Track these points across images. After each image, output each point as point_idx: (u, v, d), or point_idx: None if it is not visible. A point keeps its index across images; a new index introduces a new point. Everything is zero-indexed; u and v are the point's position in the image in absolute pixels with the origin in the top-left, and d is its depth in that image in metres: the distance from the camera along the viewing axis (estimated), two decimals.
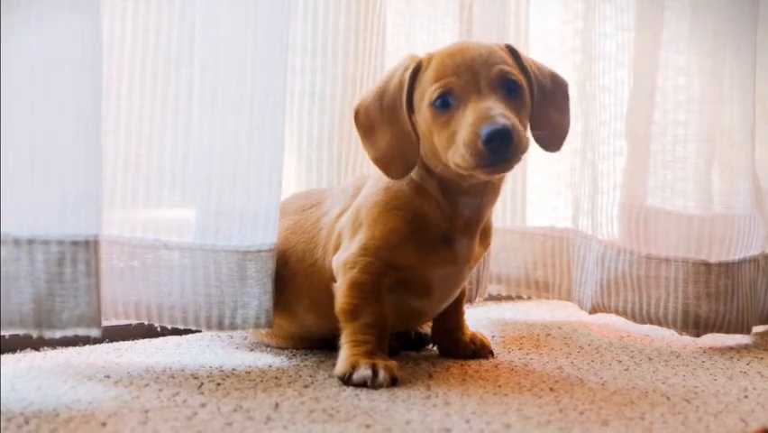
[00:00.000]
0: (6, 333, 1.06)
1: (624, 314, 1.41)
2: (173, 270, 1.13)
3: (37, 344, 1.17)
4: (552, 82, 1.13)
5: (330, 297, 1.10)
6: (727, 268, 1.36)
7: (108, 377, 1.04)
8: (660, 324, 1.38)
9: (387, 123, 1.08)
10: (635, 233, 1.41)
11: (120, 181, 1.14)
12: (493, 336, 1.36)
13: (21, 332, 0.98)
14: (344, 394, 0.99)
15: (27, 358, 1.14)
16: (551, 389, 1.05)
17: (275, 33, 1.12)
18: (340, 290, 1.09)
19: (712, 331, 1.36)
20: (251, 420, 0.89)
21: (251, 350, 1.23)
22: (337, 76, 1.34)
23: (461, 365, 1.16)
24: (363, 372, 1.03)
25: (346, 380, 1.03)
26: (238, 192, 1.13)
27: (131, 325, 1.25)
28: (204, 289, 1.13)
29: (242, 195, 1.13)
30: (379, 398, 0.98)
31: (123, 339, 1.26)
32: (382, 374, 1.02)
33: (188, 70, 1.14)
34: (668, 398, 1.02)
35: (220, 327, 1.13)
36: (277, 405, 0.94)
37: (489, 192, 1.10)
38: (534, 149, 1.56)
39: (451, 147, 1.02)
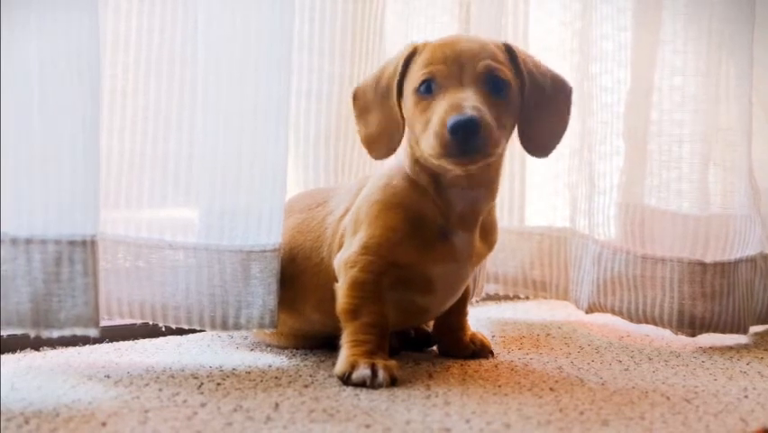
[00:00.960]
0: (5, 333, 1.06)
1: (620, 314, 1.41)
2: (178, 270, 1.13)
3: (37, 344, 1.17)
4: (552, 85, 1.12)
5: (335, 295, 1.10)
6: (723, 268, 1.36)
7: (108, 377, 1.04)
8: (655, 324, 1.38)
9: (379, 106, 1.11)
10: (631, 232, 1.42)
11: (125, 181, 1.14)
12: (493, 336, 1.36)
13: (18, 332, 0.98)
14: (344, 394, 0.99)
15: (27, 358, 1.14)
16: (551, 389, 1.05)
17: (279, 33, 1.12)
18: (341, 289, 1.09)
19: (707, 331, 1.36)
20: (251, 420, 0.89)
21: (251, 350, 1.23)
22: (334, 75, 1.34)
23: (461, 365, 1.16)
24: (362, 371, 1.03)
25: (345, 379, 1.03)
26: (242, 192, 1.13)
27: (131, 325, 1.25)
28: (208, 289, 1.13)
29: (246, 195, 1.13)
30: (379, 398, 0.98)
31: (124, 339, 1.26)
32: (381, 374, 1.02)
33: (192, 70, 1.14)
34: (668, 398, 1.02)
35: (224, 327, 1.14)
36: (277, 405, 0.94)
37: (481, 186, 1.10)
38: None
39: (424, 134, 1.02)
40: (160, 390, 0.99)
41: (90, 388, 1.00)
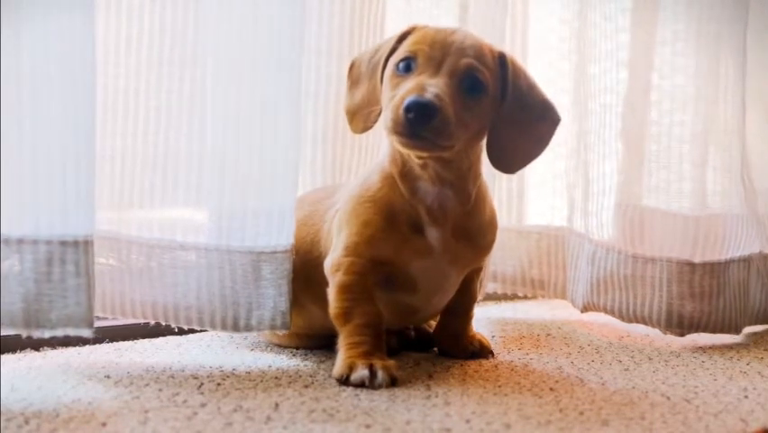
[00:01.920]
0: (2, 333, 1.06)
1: (612, 313, 1.42)
2: (189, 270, 1.13)
3: (37, 344, 1.17)
4: (541, 110, 1.11)
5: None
6: (713, 268, 1.37)
7: (108, 377, 1.04)
8: (645, 323, 1.39)
9: (367, 79, 1.12)
10: (623, 232, 1.42)
11: (137, 182, 1.14)
12: (493, 336, 1.36)
13: (10, 332, 0.98)
14: (344, 394, 0.99)
15: (27, 358, 1.14)
16: (551, 389, 1.05)
17: (288, 33, 1.12)
18: (330, 294, 1.09)
19: (697, 331, 1.36)
20: (251, 420, 0.89)
21: (251, 350, 1.23)
22: (332, 76, 1.34)
23: (461, 365, 1.16)
24: (361, 372, 1.03)
25: (344, 382, 1.03)
26: (252, 192, 1.13)
27: (131, 325, 1.26)
28: (219, 290, 1.13)
29: (256, 195, 1.13)
30: (379, 398, 0.98)
31: (124, 339, 1.26)
32: (381, 375, 1.02)
33: (203, 70, 1.14)
34: (668, 398, 1.02)
35: (236, 328, 1.14)
36: (277, 405, 0.94)
37: (447, 185, 1.09)
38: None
39: (386, 108, 1.03)
40: (160, 390, 0.99)
41: (90, 388, 1.00)
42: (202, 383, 1.03)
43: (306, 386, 1.03)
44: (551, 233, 1.57)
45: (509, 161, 1.12)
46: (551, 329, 1.44)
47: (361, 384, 1.02)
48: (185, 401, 0.95)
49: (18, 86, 0.95)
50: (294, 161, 1.15)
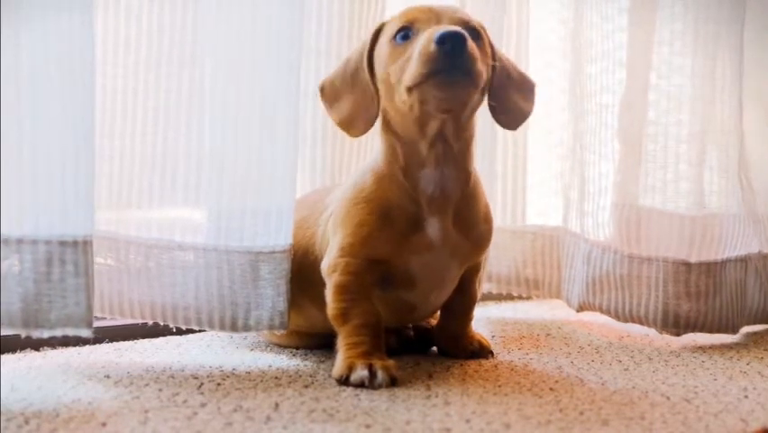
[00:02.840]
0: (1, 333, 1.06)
1: (608, 312, 1.42)
2: (188, 270, 1.13)
3: (37, 344, 1.17)
4: (518, 76, 1.15)
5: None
6: (709, 268, 1.37)
7: (108, 377, 1.04)
8: (641, 323, 1.39)
9: (350, 87, 1.11)
10: (619, 232, 1.42)
11: (136, 182, 1.14)
12: (493, 336, 1.36)
13: (9, 332, 0.98)
14: (344, 394, 0.99)
15: (27, 358, 1.14)
16: (551, 389, 1.05)
17: (287, 33, 1.12)
18: (328, 295, 1.09)
19: (693, 331, 1.36)
20: (251, 420, 0.89)
21: (251, 350, 1.23)
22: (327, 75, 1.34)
23: (461, 365, 1.16)
24: (360, 373, 1.03)
25: (343, 382, 1.03)
26: (250, 192, 1.13)
27: (131, 325, 1.26)
28: (217, 290, 1.13)
29: (255, 195, 1.13)
30: (379, 398, 0.98)
31: (124, 339, 1.26)
32: (381, 375, 1.02)
33: (201, 71, 1.14)
34: (668, 398, 1.02)
35: (234, 328, 1.14)
36: (277, 405, 0.94)
37: (451, 166, 1.09)
38: (532, 151, 1.59)
39: (405, 72, 1.02)
40: (160, 390, 0.99)
41: (90, 388, 1.00)
42: (202, 383, 1.03)
43: (306, 386, 1.03)
44: (546, 233, 1.57)
45: (512, 117, 1.14)
46: (551, 329, 1.44)
47: (360, 384, 1.02)
48: (185, 401, 0.95)
49: (17, 86, 0.95)
50: (292, 162, 1.15)
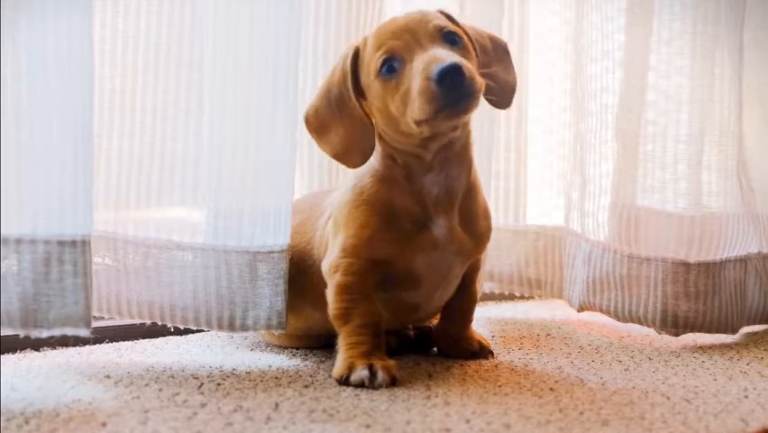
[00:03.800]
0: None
1: (608, 312, 1.42)
2: (186, 270, 1.13)
3: (37, 344, 1.17)
4: (492, 44, 1.14)
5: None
6: (708, 268, 1.37)
7: (108, 377, 1.04)
8: (641, 323, 1.39)
9: (338, 117, 1.08)
10: (618, 232, 1.42)
11: (134, 182, 1.15)
12: (493, 336, 1.36)
13: (8, 332, 0.98)
14: (344, 394, 0.99)
15: (27, 358, 1.14)
16: (551, 389, 1.05)
17: (286, 34, 1.12)
18: (329, 295, 1.09)
19: (692, 331, 1.36)
20: (251, 420, 0.89)
21: (251, 350, 1.23)
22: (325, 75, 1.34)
23: (461, 365, 1.16)
24: (360, 373, 1.03)
25: (344, 382, 1.03)
26: (249, 193, 1.13)
27: (131, 325, 1.26)
28: (215, 289, 1.13)
29: (253, 195, 1.13)
30: (379, 398, 0.98)
31: (124, 339, 1.26)
32: (381, 375, 1.02)
33: (200, 71, 1.14)
34: (668, 398, 1.02)
35: (231, 327, 1.14)
36: (277, 405, 0.94)
37: (454, 163, 1.09)
38: (533, 151, 1.59)
39: (407, 107, 1.01)
40: (161, 390, 0.99)
41: (90, 388, 1.00)
42: (202, 383, 1.03)
43: (306, 386, 1.03)
44: (547, 232, 1.57)
45: (503, 96, 1.12)
46: (551, 329, 1.44)
47: (360, 384, 1.02)
48: (185, 401, 0.95)
49: (17, 86, 0.95)
50: (290, 162, 1.15)
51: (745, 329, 1.46)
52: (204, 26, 1.14)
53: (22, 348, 1.17)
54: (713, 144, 1.41)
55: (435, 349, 1.24)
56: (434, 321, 1.26)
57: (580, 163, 1.47)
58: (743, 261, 1.41)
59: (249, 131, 1.13)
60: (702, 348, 1.33)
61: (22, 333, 0.97)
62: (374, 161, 1.11)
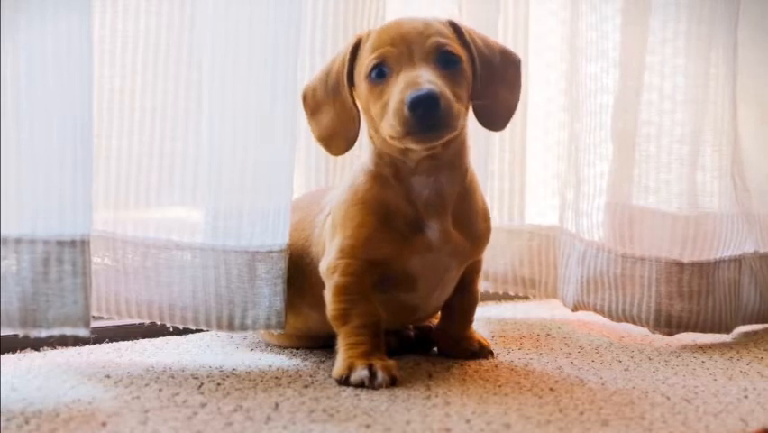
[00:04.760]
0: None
1: (602, 312, 1.42)
2: (185, 270, 1.13)
3: (37, 344, 1.17)
4: (501, 58, 1.12)
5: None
6: (701, 268, 1.37)
7: (108, 377, 1.04)
8: (634, 322, 1.39)
9: (331, 101, 1.10)
10: (612, 231, 1.42)
11: (133, 182, 1.15)
12: (493, 336, 1.36)
13: (7, 332, 0.98)
14: (344, 394, 0.99)
15: (27, 358, 1.14)
16: (551, 389, 1.05)
17: (285, 33, 1.12)
18: (327, 296, 1.09)
19: (686, 330, 1.37)
20: (251, 420, 0.89)
21: (251, 350, 1.23)
22: None
23: (461, 365, 1.16)
24: (360, 373, 1.03)
25: (343, 382, 1.03)
26: (248, 192, 1.13)
27: (131, 325, 1.26)
28: (214, 289, 1.13)
29: (252, 195, 1.14)
30: (379, 398, 0.98)
31: (124, 339, 1.26)
32: (381, 375, 1.02)
33: (198, 71, 1.14)
34: (668, 398, 1.02)
35: (231, 327, 1.14)
36: (277, 405, 0.94)
37: (445, 170, 1.09)
38: (530, 151, 1.59)
39: (384, 118, 1.02)
40: (160, 390, 0.99)
41: (90, 388, 1.00)
42: (202, 383, 1.03)
43: (306, 386, 1.03)
44: (542, 232, 1.57)
45: (498, 118, 1.12)
46: (551, 329, 1.44)
47: (360, 385, 1.02)
48: (185, 401, 0.95)
49: (16, 86, 0.95)
50: (289, 162, 1.15)
51: (741, 329, 1.46)
52: (203, 26, 1.14)
53: (22, 348, 1.17)
54: (708, 144, 1.42)
55: (436, 349, 1.24)
56: (435, 321, 1.26)
57: (575, 163, 1.47)
58: (737, 260, 1.41)
59: (248, 131, 1.13)
60: (702, 348, 1.33)
61: (21, 333, 0.97)
62: (367, 159, 1.12)
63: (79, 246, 0.99)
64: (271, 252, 1.14)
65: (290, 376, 1.08)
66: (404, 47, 1.04)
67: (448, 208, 1.10)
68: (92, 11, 1.01)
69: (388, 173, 1.09)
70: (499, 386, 1.05)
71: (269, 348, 1.25)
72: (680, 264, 1.36)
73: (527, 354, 1.25)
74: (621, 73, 1.42)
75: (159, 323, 1.15)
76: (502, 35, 1.51)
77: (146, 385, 1.01)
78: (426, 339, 1.26)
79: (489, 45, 1.12)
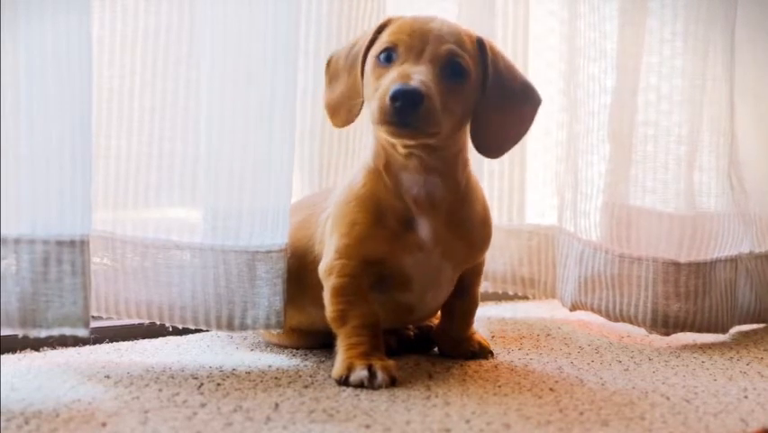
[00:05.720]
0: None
1: (599, 312, 1.42)
2: (184, 270, 1.13)
3: (37, 344, 1.17)
4: (521, 92, 1.11)
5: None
6: (698, 268, 1.37)
7: (108, 377, 1.04)
8: (631, 322, 1.39)
9: (346, 73, 1.11)
10: (610, 232, 1.42)
11: (132, 181, 1.15)
12: (493, 336, 1.36)
13: (7, 332, 0.98)
14: (344, 394, 0.99)
15: (27, 358, 1.14)
16: (551, 389, 1.05)
17: (284, 34, 1.12)
18: (326, 298, 1.10)
19: (682, 330, 1.37)
20: (251, 420, 0.89)
21: (251, 350, 1.23)
22: (320, 75, 1.34)
23: (461, 365, 1.16)
24: (359, 373, 1.03)
25: (343, 382, 1.03)
26: (247, 192, 1.13)
27: (131, 325, 1.26)
28: (214, 289, 1.13)
29: (251, 195, 1.13)
30: (379, 398, 0.98)
31: (124, 339, 1.26)
32: (381, 375, 1.02)
33: (197, 71, 1.14)
34: (668, 398, 1.02)
35: (230, 327, 1.14)
36: (277, 405, 0.94)
37: (434, 173, 1.08)
38: (531, 151, 1.59)
39: (372, 100, 1.03)
40: (160, 390, 0.99)
41: (90, 388, 1.00)
42: (202, 384, 1.03)
43: (306, 386, 1.03)
44: (541, 231, 1.57)
45: (494, 146, 1.12)
46: (551, 329, 1.44)
47: (360, 385, 1.02)
48: (185, 402, 0.95)
49: (15, 86, 0.95)
50: (288, 162, 1.15)
51: (739, 329, 1.46)
52: (202, 26, 1.14)
53: (22, 348, 1.17)
54: (705, 144, 1.42)
55: (436, 349, 1.24)
56: (435, 321, 1.26)
57: (573, 163, 1.47)
58: (733, 261, 1.41)
59: (247, 130, 1.13)
60: (702, 349, 1.33)
61: (20, 333, 0.97)
62: (367, 154, 1.12)
63: (79, 246, 0.99)
64: (271, 251, 1.14)
65: (290, 376, 1.08)
66: (418, 42, 1.04)
67: (439, 210, 1.10)
68: (91, 11, 1.01)
69: (381, 166, 1.09)
70: (499, 386, 1.05)
71: (269, 348, 1.25)
72: (676, 264, 1.37)
73: (527, 354, 1.25)
74: (619, 74, 1.42)
75: (158, 323, 1.15)
76: (501, 35, 1.51)
77: (146, 385, 1.01)
78: (428, 339, 1.26)
79: (512, 75, 1.11)
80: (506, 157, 1.56)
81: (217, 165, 1.13)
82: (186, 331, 1.27)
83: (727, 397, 1.04)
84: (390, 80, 1.00)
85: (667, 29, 1.40)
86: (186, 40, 1.15)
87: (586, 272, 1.42)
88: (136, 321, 1.22)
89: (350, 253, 1.08)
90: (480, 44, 1.09)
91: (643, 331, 1.43)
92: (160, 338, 1.28)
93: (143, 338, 1.27)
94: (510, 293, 1.62)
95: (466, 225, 1.12)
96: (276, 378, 1.07)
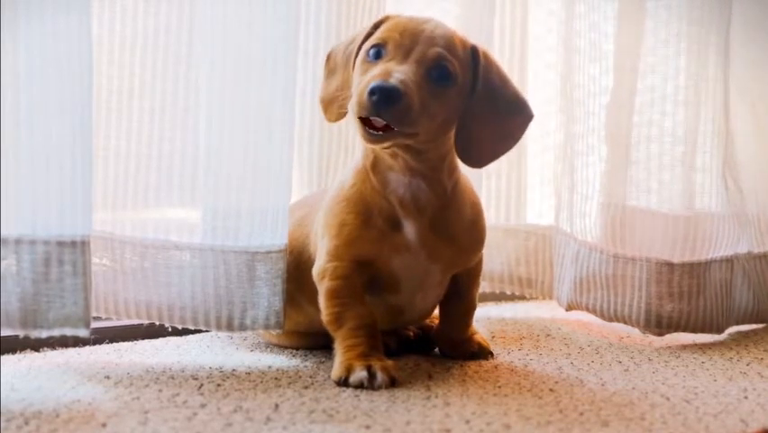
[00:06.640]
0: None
1: (594, 312, 1.43)
2: (184, 270, 1.13)
3: (37, 344, 1.17)
4: (513, 105, 1.10)
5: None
6: (692, 268, 1.37)
7: (108, 377, 1.04)
8: (625, 322, 1.40)
9: (342, 68, 1.11)
10: (605, 232, 1.43)
11: (131, 182, 1.15)
12: (493, 337, 1.36)
13: (7, 332, 0.98)
14: (344, 395, 0.99)
15: (27, 358, 1.14)
16: (551, 389, 1.05)
17: (284, 34, 1.12)
18: (321, 301, 1.10)
19: (676, 331, 1.37)
20: (251, 421, 0.89)
21: (251, 351, 1.23)
22: (318, 75, 1.34)
23: (461, 366, 1.16)
24: (359, 374, 1.03)
25: (342, 384, 1.03)
26: (246, 192, 1.14)
27: (131, 325, 1.26)
28: (213, 289, 1.13)
29: (251, 195, 1.14)
30: (379, 399, 0.98)
31: (124, 340, 1.26)
32: (380, 376, 1.02)
33: (197, 71, 1.14)
34: (668, 399, 1.02)
35: (230, 327, 1.14)
36: (277, 406, 0.94)
37: (419, 176, 1.08)
38: (530, 151, 1.59)
39: (354, 94, 1.02)
40: (160, 391, 0.99)
41: (90, 388, 1.00)
42: (202, 384, 1.03)
43: (306, 387, 1.03)
44: (539, 231, 1.57)
45: (477, 156, 1.10)
46: (551, 330, 1.44)
47: (359, 386, 1.02)
48: (185, 402, 0.95)
49: (16, 86, 0.95)
50: (288, 162, 1.15)
51: (739, 329, 1.47)
52: (202, 27, 1.14)
53: (22, 348, 1.17)
54: (700, 146, 1.43)
55: (437, 350, 1.24)
56: (436, 321, 1.26)
57: (570, 164, 1.47)
58: (729, 261, 1.42)
59: (247, 131, 1.13)
60: (702, 349, 1.34)
61: (21, 333, 0.97)
62: (359, 154, 1.12)
63: (79, 247, 0.99)
64: (270, 252, 1.14)
65: (290, 377, 1.08)
66: (408, 41, 1.03)
67: (424, 212, 1.09)
68: (91, 11, 1.01)
69: (369, 165, 1.09)
70: (499, 387, 1.05)
71: (269, 349, 1.24)
72: (670, 265, 1.37)
73: (527, 354, 1.25)
74: (615, 75, 1.43)
75: (158, 323, 1.15)
76: (499, 36, 1.51)
77: (146, 386, 1.01)
78: (427, 340, 1.26)
79: (504, 86, 1.10)
80: (504, 157, 1.56)
81: (217, 165, 1.13)
82: (186, 332, 1.27)
83: (727, 397, 1.04)
84: (372, 76, 1.00)
85: (663, 30, 1.41)
86: (185, 40, 1.15)
87: (581, 273, 1.43)
88: (136, 322, 1.22)
89: (340, 254, 1.08)
90: (474, 52, 1.08)
91: None
92: (160, 339, 1.28)
93: (143, 339, 1.27)
94: (508, 293, 1.63)
95: (452, 228, 1.11)
96: (276, 378, 1.07)
